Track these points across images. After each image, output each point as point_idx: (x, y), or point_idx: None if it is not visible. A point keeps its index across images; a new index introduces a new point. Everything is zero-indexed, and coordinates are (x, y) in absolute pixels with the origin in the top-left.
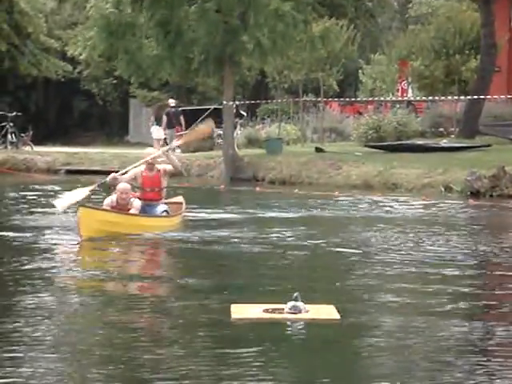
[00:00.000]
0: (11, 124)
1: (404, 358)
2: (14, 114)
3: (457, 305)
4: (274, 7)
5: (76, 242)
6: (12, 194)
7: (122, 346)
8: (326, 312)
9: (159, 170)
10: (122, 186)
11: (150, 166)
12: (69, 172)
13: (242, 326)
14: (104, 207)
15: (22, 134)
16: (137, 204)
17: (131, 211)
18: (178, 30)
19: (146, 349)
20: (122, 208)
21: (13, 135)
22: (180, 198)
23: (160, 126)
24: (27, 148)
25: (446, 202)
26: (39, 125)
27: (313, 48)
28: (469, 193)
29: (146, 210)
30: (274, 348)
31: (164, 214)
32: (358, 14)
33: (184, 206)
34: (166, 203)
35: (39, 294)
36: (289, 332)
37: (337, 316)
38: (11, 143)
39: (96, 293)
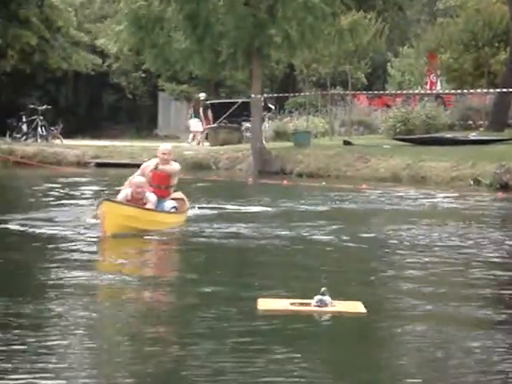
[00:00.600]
0: (41, 117)
1: (428, 359)
2: (44, 107)
3: (486, 311)
4: (302, 0)
5: (99, 238)
6: (41, 188)
7: (153, 341)
8: (353, 307)
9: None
10: (138, 179)
11: (165, 161)
12: (98, 165)
13: (270, 321)
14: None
15: (52, 128)
16: (152, 198)
17: (147, 206)
18: (206, 23)
19: (177, 344)
20: (136, 202)
21: (43, 128)
22: (180, 194)
23: (198, 118)
24: (57, 141)
25: (475, 195)
26: (69, 118)
27: (341, 41)
28: (498, 186)
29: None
30: (303, 343)
31: (173, 210)
32: (387, 6)
33: (187, 201)
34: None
35: (57, 297)
36: (316, 326)
37: (363, 310)
38: (41, 136)
39: (123, 290)
